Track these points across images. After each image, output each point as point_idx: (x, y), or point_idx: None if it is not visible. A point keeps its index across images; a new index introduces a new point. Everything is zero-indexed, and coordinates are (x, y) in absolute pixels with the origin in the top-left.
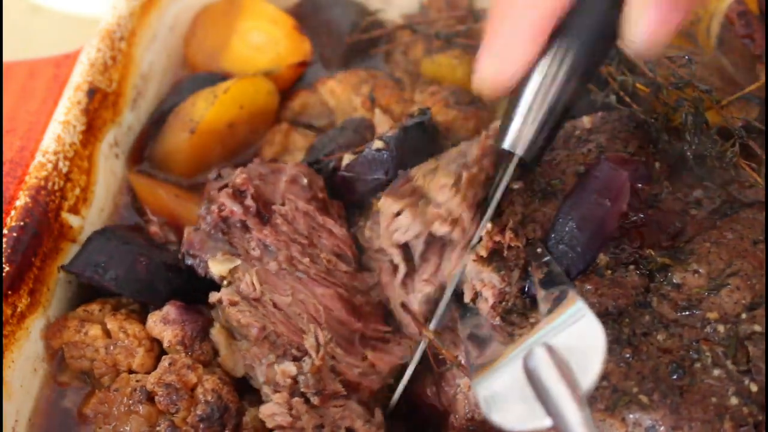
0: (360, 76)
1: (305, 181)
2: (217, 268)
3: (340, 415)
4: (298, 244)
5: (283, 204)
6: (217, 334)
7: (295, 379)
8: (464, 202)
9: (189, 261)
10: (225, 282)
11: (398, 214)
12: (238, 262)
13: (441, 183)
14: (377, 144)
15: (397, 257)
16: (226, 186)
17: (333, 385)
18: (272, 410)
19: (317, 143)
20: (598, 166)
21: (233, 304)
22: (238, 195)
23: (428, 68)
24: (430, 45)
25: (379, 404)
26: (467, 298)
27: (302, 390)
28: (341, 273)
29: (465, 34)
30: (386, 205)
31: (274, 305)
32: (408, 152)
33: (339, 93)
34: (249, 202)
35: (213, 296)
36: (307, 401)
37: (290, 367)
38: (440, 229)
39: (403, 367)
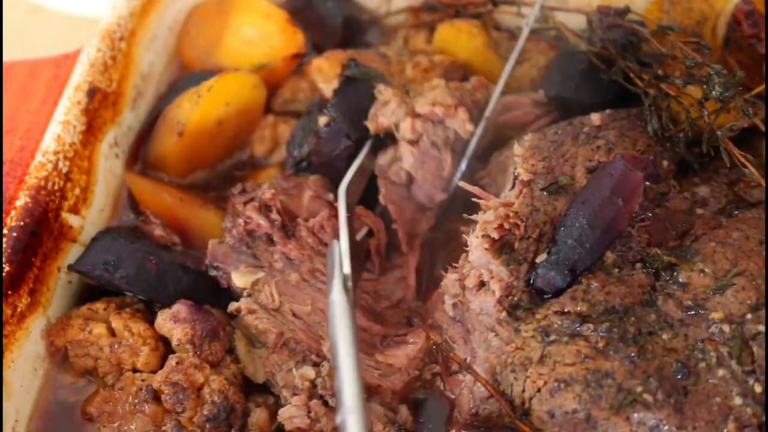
0: (348, 53)
1: (331, 196)
2: (240, 280)
3: None
4: (323, 255)
5: (308, 218)
6: (237, 342)
7: (313, 383)
8: (450, 94)
9: (213, 272)
10: (245, 293)
11: (387, 103)
12: (261, 274)
13: (433, 83)
14: (322, 120)
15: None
16: (251, 200)
17: None
18: (290, 413)
19: (292, 137)
20: (613, 164)
21: (251, 312)
22: (264, 209)
23: (445, 33)
24: (431, 37)
25: (408, 400)
26: (471, 284)
27: (320, 393)
28: (364, 282)
29: (485, 15)
30: (380, 91)
31: (294, 315)
32: (354, 108)
33: (326, 69)
34: (275, 216)
35: (232, 305)
36: (325, 403)
37: (309, 371)
38: (422, 108)
39: (424, 356)
